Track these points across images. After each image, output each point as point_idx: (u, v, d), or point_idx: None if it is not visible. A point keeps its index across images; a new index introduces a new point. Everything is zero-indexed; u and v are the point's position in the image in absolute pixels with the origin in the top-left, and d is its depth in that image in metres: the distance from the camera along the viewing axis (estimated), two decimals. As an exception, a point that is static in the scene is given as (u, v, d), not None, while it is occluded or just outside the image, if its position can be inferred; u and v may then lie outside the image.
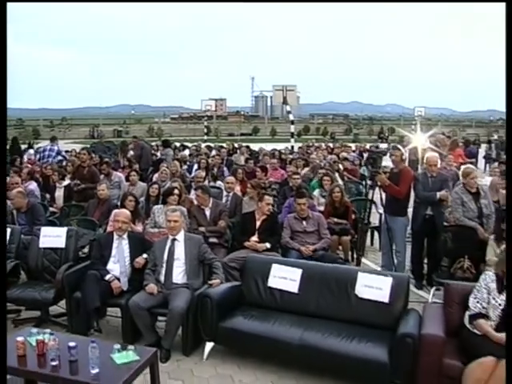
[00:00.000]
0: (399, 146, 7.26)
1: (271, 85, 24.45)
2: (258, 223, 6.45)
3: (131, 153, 14.12)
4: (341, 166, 11.63)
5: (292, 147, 20.52)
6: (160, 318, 5.04)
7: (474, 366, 3.80)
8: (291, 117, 24.92)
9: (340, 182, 9.96)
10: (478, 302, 4.13)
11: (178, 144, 20.68)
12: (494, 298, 4.08)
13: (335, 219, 7.29)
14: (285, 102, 23.83)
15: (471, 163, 14.84)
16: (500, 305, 4.05)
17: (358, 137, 42.72)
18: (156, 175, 9.63)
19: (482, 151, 22.25)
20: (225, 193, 7.90)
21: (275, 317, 4.70)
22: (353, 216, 7.62)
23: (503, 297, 4.05)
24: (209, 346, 4.80)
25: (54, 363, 3.52)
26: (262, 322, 4.63)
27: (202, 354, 4.81)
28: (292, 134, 23.27)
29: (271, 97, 49.15)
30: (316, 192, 8.45)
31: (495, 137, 51.69)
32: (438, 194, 6.41)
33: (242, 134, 46.27)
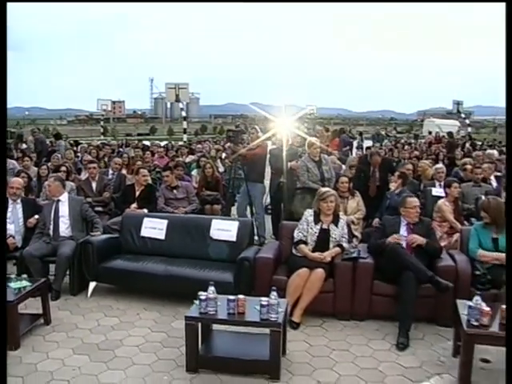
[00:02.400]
0: (256, 127, 8.56)
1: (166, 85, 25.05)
2: (137, 193, 7.49)
3: (24, 146, 14.78)
4: (224, 155, 12.99)
5: (184, 142, 21.55)
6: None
7: (294, 276, 5.11)
8: (183, 113, 25.86)
9: (221, 167, 11.33)
10: (300, 232, 5.45)
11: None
12: (311, 228, 5.42)
13: (208, 192, 8.50)
14: (177, 99, 24.68)
15: (347, 150, 16.70)
16: (315, 232, 5.38)
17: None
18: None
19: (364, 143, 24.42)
20: (111, 171, 8.87)
21: (146, 258, 5.81)
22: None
23: (318, 226, 5.39)
24: (92, 285, 5.83)
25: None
26: (135, 262, 5.74)
27: (86, 293, 5.81)
28: (185, 130, 24.26)
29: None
30: (194, 171, 9.76)
31: (383, 133, 55.15)
32: (289, 164, 7.74)
33: (140, 134, 46.78)
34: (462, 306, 4.14)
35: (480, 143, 26.10)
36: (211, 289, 4.05)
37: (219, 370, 4.12)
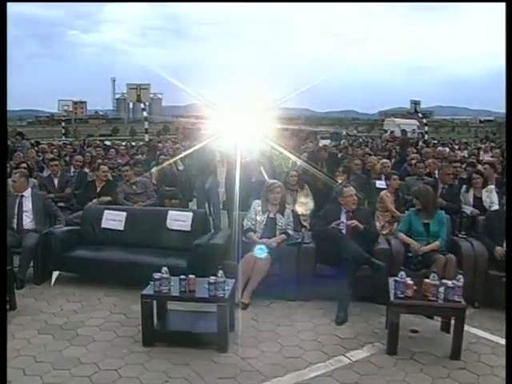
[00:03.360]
0: (210, 128, 9.11)
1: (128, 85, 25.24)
2: (98, 189, 7.84)
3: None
4: (183, 153, 13.44)
5: (146, 141, 21.82)
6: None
7: (243, 261, 5.55)
8: (145, 113, 26.09)
9: (181, 165, 11.73)
10: (248, 221, 5.90)
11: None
12: (259, 217, 5.91)
13: (166, 187, 8.90)
14: (139, 99, 24.94)
15: (303, 148, 17.20)
16: (263, 221, 5.84)
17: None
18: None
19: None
20: (72, 169, 9.19)
21: (107, 247, 6.20)
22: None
23: (265, 215, 5.85)
24: (55, 274, 6.17)
25: None
26: (96, 251, 6.13)
27: (50, 282, 6.15)
28: (146, 130, 24.53)
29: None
30: (154, 169, 10.15)
31: (344, 132, 56.10)
32: (243, 160, 8.19)
33: (102, 135, 46.71)
34: (391, 281, 4.64)
35: (436, 141, 27.04)
36: (164, 269, 4.46)
37: (173, 344, 4.53)
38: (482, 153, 17.92)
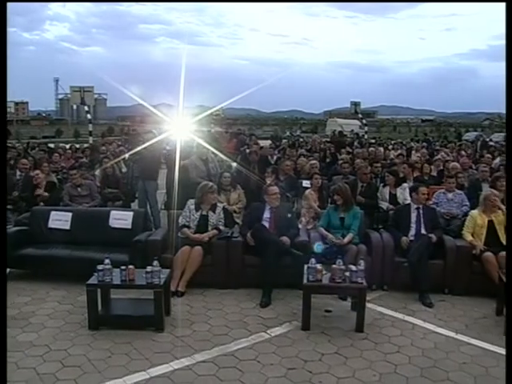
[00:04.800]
0: (154, 131, 9.66)
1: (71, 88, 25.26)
2: (41, 191, 8.35)
3: None
4: (126, 156, 13.90)
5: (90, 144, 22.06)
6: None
7: (178, 254, 6.21)
8: (89, 116, 26.21)
9: (124, 167, 12.23)
10: (183, 218, 6.57)
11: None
12: (193, 215, 6.56)
13: (110, 189, 9.44)
14: (83, 102, 25.09)
15: (244, 150, 17.82)
16: (196, 218, 6.52)
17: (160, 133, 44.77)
18: None
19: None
20: (18, 172, 9.62)
21: (54, 245, 6.73)
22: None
23: (199, 213, 6.54)
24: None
25: None
26: (44, 249, 6.65)
27: (0, 278, 6.65)
28: (90, 133, 24.70)
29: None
30: (97, 171, 10.62)
31: (287, 133, 56.86)
32: (182, 162, 8.83)
33: (45, 137, 46.26)
34: (305, 268, 5.38)
35: (373, 141, 28.13)
36: (107, 261, 5.09)
37: (115, 326, 5.17)
38: (413, 152, 18.75)
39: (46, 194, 8.29)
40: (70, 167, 10.85)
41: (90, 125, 25.38)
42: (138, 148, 9.09)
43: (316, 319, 5.42)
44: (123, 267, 5.11)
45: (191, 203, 6.66)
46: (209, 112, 43.38)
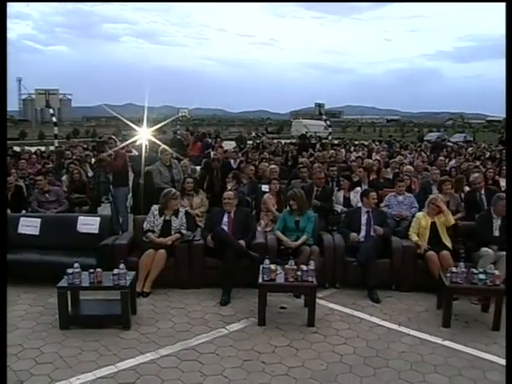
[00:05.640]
0: (113, 137, 10.03)
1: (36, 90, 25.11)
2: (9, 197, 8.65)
3: None
4: (93, 160, 14.13)
5: (56, 147, 22.11)
6: None
7: (143, 257, 6.63)
8: (54, 119, 26.12)
9: (90, 171, 12.50)
10: (148, 223, 6.98)
11: None
12: (157, 220, 6.97)
13: (76, 194, 9.75)
14: (48, 105, 25.01)
15: (208, 153, 18.13)
16: (160, 223, 6.93)
17: (125, 137, 44.73)
18: None
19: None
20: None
21: (24, 251, 7.04)
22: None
23: (162, 218, 6.96)
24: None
25: None
26: (14, 255, 6.87)
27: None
28: (56, 136, 24.74)
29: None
30: (64, 177, 10.92)
31: (253, 134, 57.09)
32: (146, 168, 9.22)
33: (9, 139, 45.73)
34: (261, 268, 5.84)
35: (336, 143, 28.67)
36: (76, 265, 5.48)
37: (85, 326, 5.58)
38: (374, 154, 19.13)
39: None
40: (36, 173, 11.11)
41: (56, 128, 25.38)
42: (105, 155, 9.41)
43: (271, 315, 5.91)
44: (92, 270, 5.50)
45: (155, 209, 7.06)
46: (174, 117, 43.45)
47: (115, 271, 5.45)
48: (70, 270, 5.47)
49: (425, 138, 50.75)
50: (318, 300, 6.14)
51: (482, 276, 5.76)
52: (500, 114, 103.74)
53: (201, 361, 4.91)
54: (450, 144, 33.79)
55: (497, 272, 5.80)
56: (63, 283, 5.51)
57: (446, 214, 7.07)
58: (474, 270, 5.86)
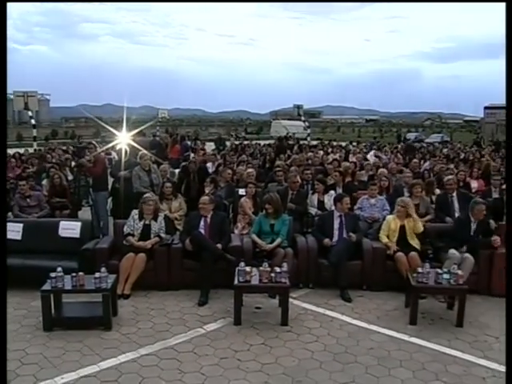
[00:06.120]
0: (93, 142, 10.25)
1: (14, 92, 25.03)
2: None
3: None
4: (73, 163, 14.29)
5: (35, 150, 22.15)
6: None
7: (124, 260, 6.87)
8: (33, 121, 26.08)
9: (70, 175, 12.68)
10: (128, 227, 7.23)
11: None
12: (136, 224, 7.22)
13: (57, 198, 9.94)
14: (26, 107, 25.00)
15: (186, 156, 18.25)
16: (140, 227, 7.17)
17: (104, 139, 44.49)
18: None
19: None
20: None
21: (7, 255, 7.17)
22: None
23: (142, 222, 7.20)
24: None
25: None
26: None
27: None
28: (34, 138, 24.74)
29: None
30: (44, 181, 11.09)
31: (233, 135, 57.06)
32: (123, 173, 9.45)
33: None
34: (237, 270, 6.12)
35: (315, 144, 28.93)
36: (59, 269, 5.71)
37: (68, 327, 5.81)
38: (351, 155, 19.35)
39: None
40: (17, 177, 11.26)
41: (34, 130, 25.39)
42: (84, 160, 9.62)
43: (247, 315, 6.20)
44: (74, 274, 5.74)
45: (135, 213, 7.31)
46: (154, 121, 43.39)
47: (97, 275, 5.70)
48: (53, 274, 5.69)
49: (407, 137, 51.40)
50: (292, 300, 6.49)
51: (446, 276, 6.10)
52: (477, 114, 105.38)
53: (179, 359, 5.18)
54: (424, 145, 34.43)
55: (460, 272, 6.15)
56: (46, 287, 5.73)
57: (415, 221, 7.40)
58: (439, 270, 6.19)
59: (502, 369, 5.02)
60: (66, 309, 6.06)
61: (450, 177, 9.50)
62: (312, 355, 5.32)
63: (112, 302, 5.88)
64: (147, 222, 7.26)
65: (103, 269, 5.76)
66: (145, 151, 9.70)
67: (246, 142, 29.19)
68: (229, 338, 5.70)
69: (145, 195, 7.56)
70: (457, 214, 8.51)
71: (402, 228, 7.38)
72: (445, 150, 25.12)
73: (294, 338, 5.74)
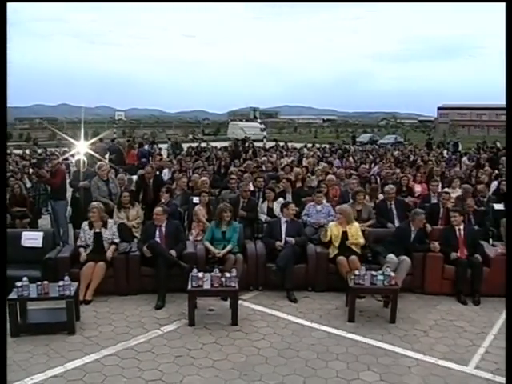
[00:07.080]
0: (57, 153, 10.65)
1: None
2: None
3: None
4: (31, 170, 14.58)
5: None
6: None
7: (84, 269, 7.33)
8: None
9: (28, 182, 12.97)
10: (80, 239, 7.72)
11: None
12: (88, 234, 7.70)
13: (17, 208, 10.30)
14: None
15: (143, 162, 18.41)
16: (91, 236, 7.63)
17: (60, 141, 43.85)
18: None
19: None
20: None
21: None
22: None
23: (92, 231, 7.67)
24: None
25: None
26: None
27: None
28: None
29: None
30: (4, 191, 11.37)
31: (190, 136, 56.89)
32: (83, 184, 9.88)
33: None
34: (190, 276, 6.68)
35: (271, 146, 29.34)
36: (24, 279, 6.17)
37: (34, 333, 6.26)
38: (304, 159, 19.60)
39: None
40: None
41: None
42: (44, 171, 10.02)
43: (201, 317, 6.78)
44: (39, 283, 6.21)
45: (85, 224, 7.78)
46: (110, 130, 43.19)
47: (61, 283, 6.17)
48: (19, 283, 6.14)
49: (357, 140, 52.37)
50: (242, 302, 7.12)
51: (380, 277, 6.80)
52: (431, 113, 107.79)
53: (139, 358, 5.72)
54: (376, 147, 35.40)
55: (393, 274, 6.86)
56: (13, 295, 6.16)
57: (357, 229, 8.06)
58: (374, 273, 6.88)
59: (427, 359, 5.80)
60: (31, 315, 6.50)
61: (391, 186, 10.08)
62: (258, 352, 5.93)
63: (75, 308, 6.37)
64: (97, 230, 7.72)
65: (66, 277, 6.23)
66: (103, 161, 10.12)
67: (203, 145, 29.40)
68: (184, 338, 6.26)
69: (92, 204, 8.00)
70: (396, 220, 9.23)
71: (344, 234, 8.01)
72: (396, 153, 25.86)
73: (243, 336, 6.33)
